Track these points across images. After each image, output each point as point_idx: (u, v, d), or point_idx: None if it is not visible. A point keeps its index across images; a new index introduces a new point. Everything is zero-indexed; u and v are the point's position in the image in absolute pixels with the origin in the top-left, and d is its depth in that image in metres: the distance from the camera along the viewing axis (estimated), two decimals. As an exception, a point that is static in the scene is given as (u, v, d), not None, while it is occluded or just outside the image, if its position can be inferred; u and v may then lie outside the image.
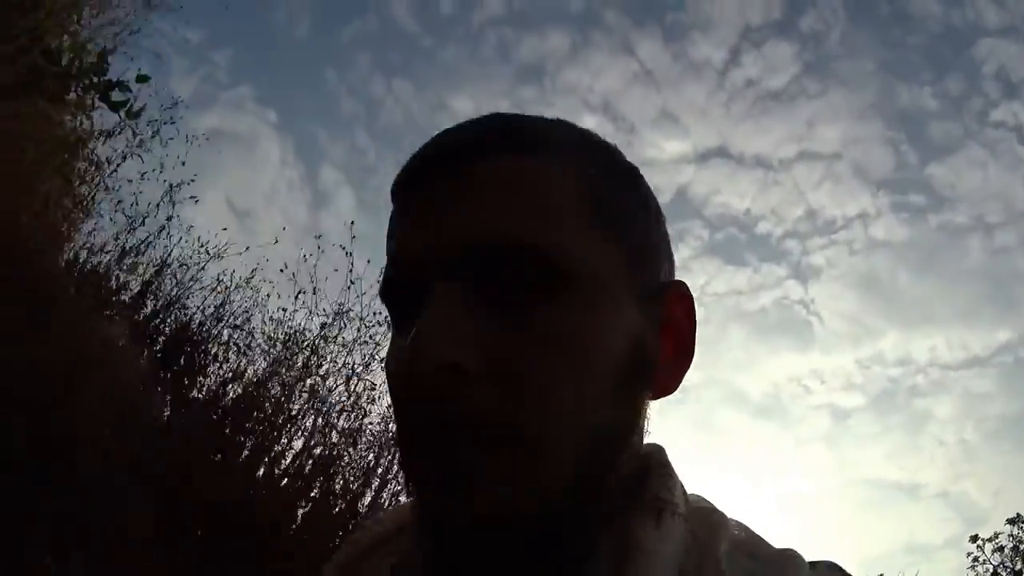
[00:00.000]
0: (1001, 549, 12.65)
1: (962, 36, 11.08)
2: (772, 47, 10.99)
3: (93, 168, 4.99)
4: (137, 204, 5.41)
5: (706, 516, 0.54)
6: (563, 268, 0.48)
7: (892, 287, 12.23)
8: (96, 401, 3.85)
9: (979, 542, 12.62)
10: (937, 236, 11.77)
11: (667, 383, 0.55)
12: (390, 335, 0.56)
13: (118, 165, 5.00)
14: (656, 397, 0.55)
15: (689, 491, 0.57)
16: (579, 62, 11.13)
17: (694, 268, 11.16)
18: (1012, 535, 12.70)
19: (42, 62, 3.92)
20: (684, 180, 11.07)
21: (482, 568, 0.47)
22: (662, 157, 11.18)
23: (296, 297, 5.94)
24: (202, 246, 5.61)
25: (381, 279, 0.55)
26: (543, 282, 0.48)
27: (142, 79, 4.38)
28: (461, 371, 0.45)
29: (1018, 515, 12.63)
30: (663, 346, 0.54)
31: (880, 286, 12.22)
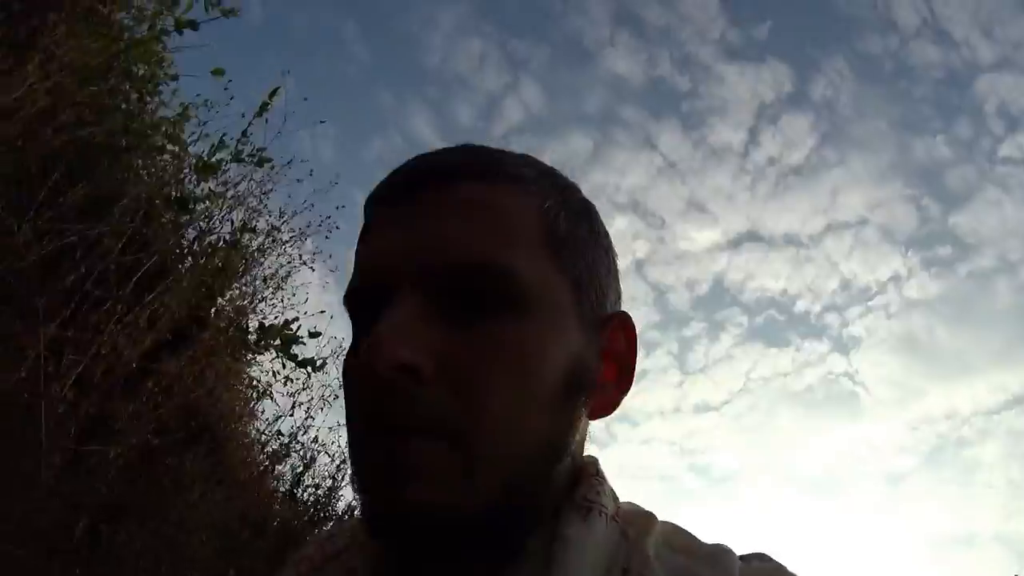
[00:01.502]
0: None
1: (962, 77, 11.08)
2: (788, 121, 11.13)
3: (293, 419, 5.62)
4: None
5: (636, 517, 0.58)
6: (516, 288, 0.52)
7: (931, 344, 11.99)
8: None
9: (1022, 581, 11.94)
10: (967, 284, 11.54)
11: (605, 404, 0.59)
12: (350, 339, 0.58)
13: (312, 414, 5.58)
14: (594, 417, 0.59)
15: (626, 503, 0.60)
16: (603, 162, 11.31)
17: (737, 355, 11.18)
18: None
19: (238, 335, 4.61)
20: (719, 269, 11.14)
21: (419, 562, 0.51)
22: (695, 249, 11.40)
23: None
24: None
25: (347, 285, 0.57)
26: (497, 299, 0.51)
27: (315, 335, 4.99)
28: (415, 372, 0.48)
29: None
30: (605, 369, 0.58)
31: (919, 345, 12.00)
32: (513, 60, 11.19)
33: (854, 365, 11.47)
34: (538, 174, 0.58)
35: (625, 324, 0.60)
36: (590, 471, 0.58)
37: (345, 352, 0.57)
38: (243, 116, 4.57)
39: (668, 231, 11.21)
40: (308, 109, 5.30)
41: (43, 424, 3.09)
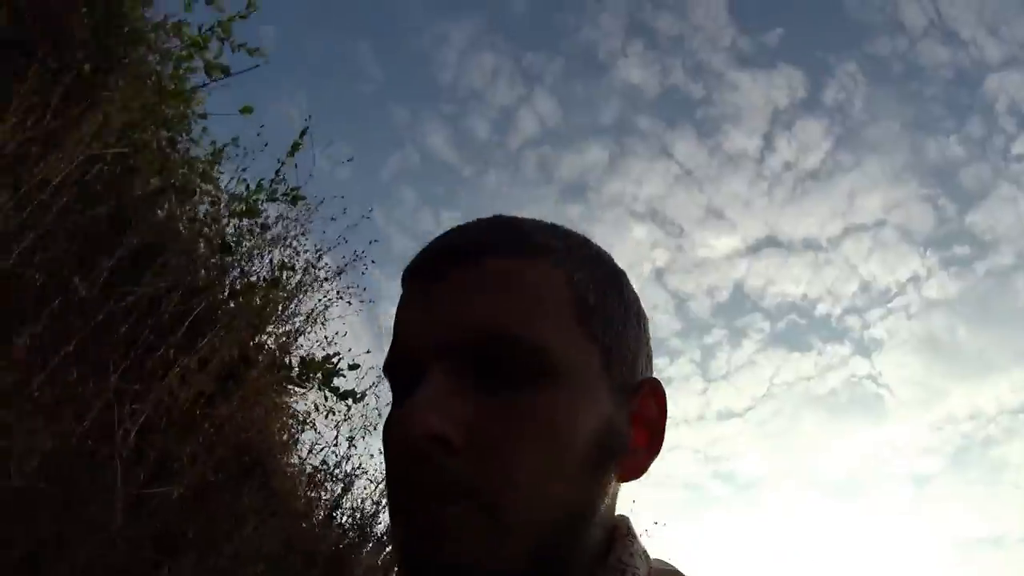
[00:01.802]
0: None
1: (971, 77, 11.13)
2: (802, 126, 11.15)
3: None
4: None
5: None
6: (545, 360, 0.53)
7: (952, 344, 11.98)
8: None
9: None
10: (986, 283, 11.54)
11: (635, 467, 0.59)
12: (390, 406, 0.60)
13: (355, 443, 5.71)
14: (624, 480, 0.59)
15: (655, 556, 0.62)
16: (620, 172, 11.49)
17: (760, 361, 11.23)
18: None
19: (284, 372, 4.75)
20: (739, 275, 11.22)
21: None
22: (714, 256, 11.43)
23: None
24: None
25: (386, 355, 0.59)
26: (526, 371, 0.53)
27: (353, 367, 5.11)
28: (446, 442, 0.50)
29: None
30: (635, 434, 0.59)
31: (941, 345, 12.00)
32: (527, 74, 11.28)
33: (877, 367, 11.52)
34: (567, 245, 0.60)
35: (656, 390, 0.61)
36: (622, 531, 0.60)
37: (386, 415, 0.59)
38: (278, 161, 4.72)
39: (687, 239, 11.20)
40: (329, 138, 5.41)
41: (118, 470, 3.22)
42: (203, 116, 4.99)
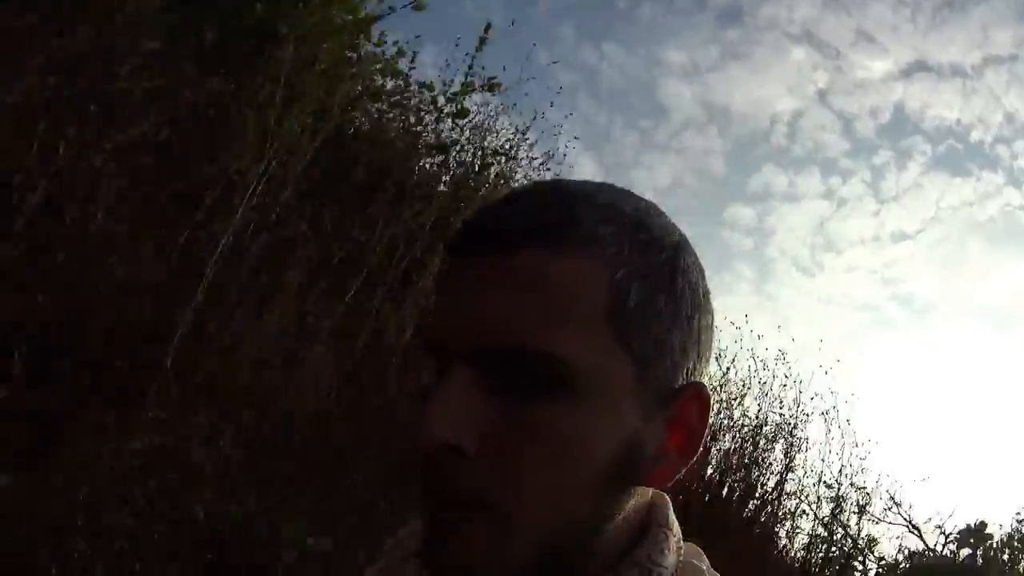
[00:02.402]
0: None
1: None
2: None
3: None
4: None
5: (695, 572, 0.59)
6: (566, 373, 0.50)
7: None
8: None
9: None
10: None
11: (664, 474, 0.57)
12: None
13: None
14: (654, 485, 0.58)
15: (686, 546, 0.60)
16: None
17: (925, 184, 11.53)
18: None
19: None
20: (897, 97, 11.26)
21: None
22: (873, 78, 11.73)
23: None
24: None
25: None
26: (545, 382, 0.50)
27: None
28: (460, 451, 0.50)
29: None
30: (670, 440, 0.56)
31: None
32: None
33: (1028, 198, 11.09)
34: (617, 231, 0.54)
35: (700, 394, 0.57)
36: (658, 521, 0.59)
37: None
38: (470, 56, 4.88)
39: (844, 60, 11.20)
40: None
41: (396, 366, 3.72)
42: (375, 18, 5.15)
